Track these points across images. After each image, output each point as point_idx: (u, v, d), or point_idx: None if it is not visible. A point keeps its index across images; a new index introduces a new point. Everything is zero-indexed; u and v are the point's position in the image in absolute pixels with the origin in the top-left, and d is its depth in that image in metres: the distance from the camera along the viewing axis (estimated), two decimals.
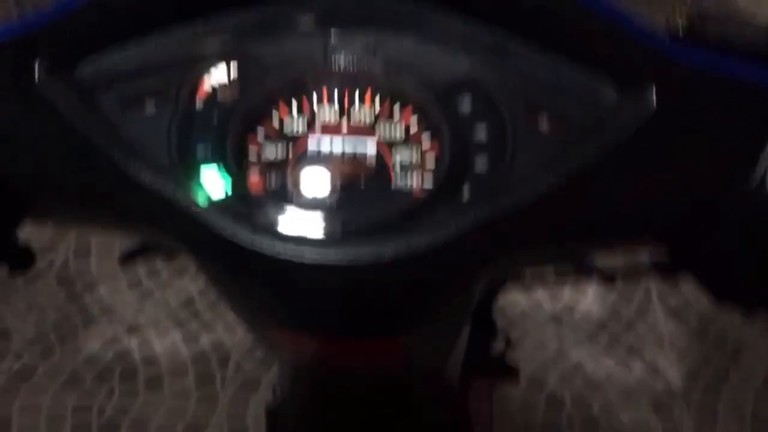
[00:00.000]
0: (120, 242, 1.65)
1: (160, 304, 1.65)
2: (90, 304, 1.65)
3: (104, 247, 1.76)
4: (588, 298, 1.65)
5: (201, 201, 0.36)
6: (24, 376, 1.51)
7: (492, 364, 0.67)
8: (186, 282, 1.69)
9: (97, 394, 1.49)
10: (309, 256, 0.35)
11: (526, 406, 1.48)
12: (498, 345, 0.68)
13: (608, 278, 0.59)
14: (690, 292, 1.65)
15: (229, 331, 1.59)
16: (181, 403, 1.48)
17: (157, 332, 1.60)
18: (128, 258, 0.61)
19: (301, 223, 0.37)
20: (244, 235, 0.35)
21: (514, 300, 1.65)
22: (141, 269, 1.71)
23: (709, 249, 0.38)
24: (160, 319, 1.62)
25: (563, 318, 1.62)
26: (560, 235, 0.38)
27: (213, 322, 1.61)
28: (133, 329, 1.60)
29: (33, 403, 1.47)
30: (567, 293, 1.66)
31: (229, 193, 0.37)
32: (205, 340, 1.58)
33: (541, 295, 1.66)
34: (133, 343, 1.57)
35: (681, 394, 1.49)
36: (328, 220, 0.37)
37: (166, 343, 1.58)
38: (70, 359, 1.55)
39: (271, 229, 0.36)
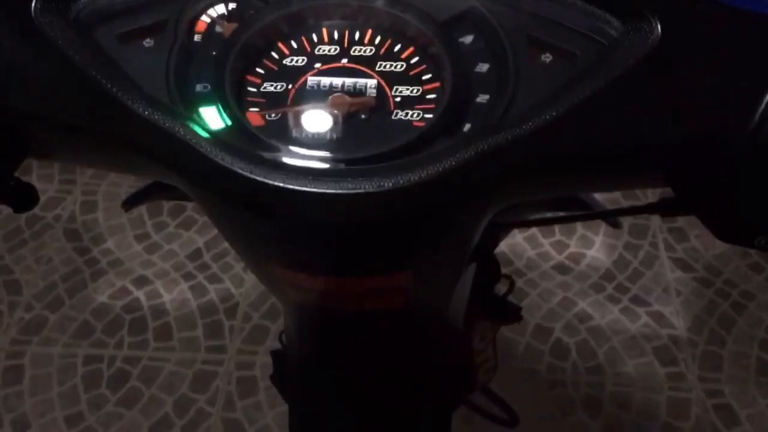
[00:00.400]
0: (126, 194, 1.65)
1: (168, 255, 1.66)
2: (98, 257, 1.66)
3: (111, 200, 1.76)
4: (594, 247, 1.65)
5: (200, 133, 0.36)
6: (35, 328, 1.54)
7: (494, 305, 0.68)
8: (193, 234, 1.70)
9: (107, 345, 1.51)
10: (307, 187, 0.34)
11: (531, 352, 1.49)
12: (501, 288, 0.68)
13: (612, 221, 0.58)
14: (697, 240, 1.65)
15: (236, 281, 1.60)
16: (190, 353, 1.50)
17: (165, 284, 1.61)
18: (132, 202, 0.60)
19: (299, 156, 0.36)
20: (243, 167, 0.35)
21: (520, 248, 1.65)
22: (148, 222, 1.72)
23: (711, 187, 0.37)
24: (168, 270, 1.63)
25: (569, 267, 1.62)
26: (561, 167, 0.38)
27: (220, 273, 1.62)
28: (141, 281, 1.61)
29: (44, 353, 1.50)
30: (574, 242, 1.66)
31: (229, 125, 0.37)
32: (212, 291, 1.59)
33: (547, 244, 1.66)
34: (141, 295, 1.59)
35: (686, 341, 1.50)
36: (327, 152, 0.37)
37: (174, 294, 1.59)
38: (79, 310, 1.56)
39: (269, 161, 0.36)
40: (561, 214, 0.58)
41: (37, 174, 1.81)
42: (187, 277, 1.62)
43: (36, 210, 1.74)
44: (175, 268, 1.64)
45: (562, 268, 1.62)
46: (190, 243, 1.68)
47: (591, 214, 0.57)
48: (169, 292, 1.60)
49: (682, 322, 1.53)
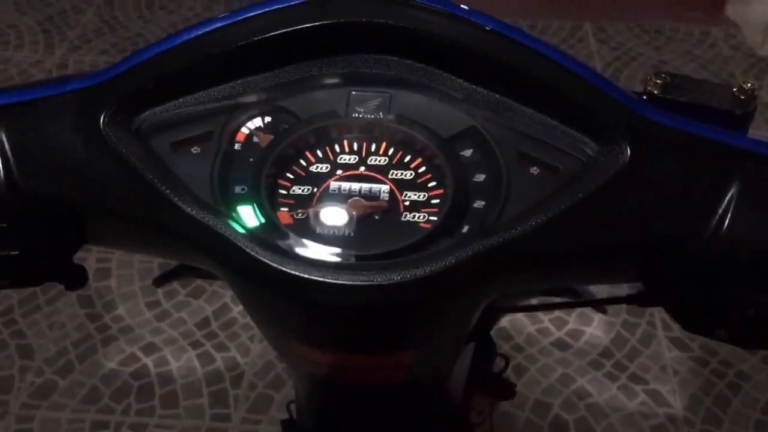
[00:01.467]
0: (138, 264, 1.71)
1: (177, 323, 1.71)
2: (109, 323, 1.71)
3: (124, 268, 1.82)
4: (593, 324, 1.69)
5: (238, 229, 0.42)
6: (45, 392, 1.57)
7: (490, 382, 0.72)
8: (202, 302, 1.74)
9: (115, 411, 1.54)
10: (328, 278, 0.40)
11: (530, 428, 1.51)
12: (498, 365, 0.73)
13: (598, 307, 0.64)
14: None
15: (242, 350, 1.64)
16: (195, 421, 1.53)
17: (173, 351, 1.65)
18: (162, 281, 0.66)
19: (322, 250, 0.42)
20: (274, 260, 0.41)
21: (520, 324, 1.69)
22: (159, 290, 1.77)
23: (675, 284, 0.43)
24: (177, 338, 1.67)
25: (569, 343, 1.66)
26: (546, 264, 0.44)
27: (227, 342, 1.66)
28: (150, 348, 1.65)
29: (53, 418, 1.53)
30: (573, 319, 1.70)
31: (263, 222, 0.43)
32: (219, 360, 1.63)
33: (547, 320, 1.70)
34: (149, 362, 1.63)
35: (683, 420, 1.52)
36: (346, 248, 0.43)
37: (181, 361, 1.63)
38: (89, 376, 1.60)
39: (296, 255, 0.42)
40: (551, 301, 0.63)
41: None
42: (195, 345, 1.66)
43: None
44: (183, 336, 1.68)
45: (561, 345, 1.66)
46: (199, 311, 1.73)
47: (577, 302, 0.63)
48: (176, 360, 1.63)
49: (679, 401, 1.56)
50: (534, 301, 0.63)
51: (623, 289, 0.53)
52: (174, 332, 1.69)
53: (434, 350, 0.50)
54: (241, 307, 1.75)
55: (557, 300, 0.62)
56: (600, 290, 0.62)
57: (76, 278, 0.49)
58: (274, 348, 0.54)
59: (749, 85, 0.46)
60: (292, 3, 0.46)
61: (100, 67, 0.47)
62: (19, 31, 2.61)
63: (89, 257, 1.84)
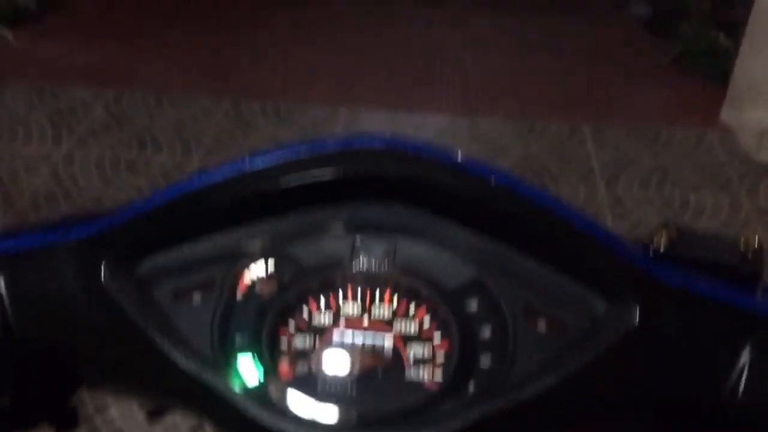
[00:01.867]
0: None
1: (170, 428, 1.66)
2: (100, 426, 1.66)
3: None
4: None
5: (237, 388, 0.41)
6: None
7: None
8: None
9: None
10: None
11: None
12: None
13: None
14: None
15: None
16: None
17: None
18: (156, 413, 0.64)
19: (322, 411, 0.41)
20: (271, 421, 0.40)
21: None
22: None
23: None
24: None
25: None
26: (554, 425, 0.43)
27: None
28: None
29: None
30: None
31: (262, 382, 0.42)
32: None
33: None
34: None
35: None
36: (347, 408, 0.42)
37: None
38: None
39: (296, 416, 0.41)
40: None
41: None
42: None
43: None
44: None
45: None
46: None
47: None
48: None
49: None
50: None
51: None
52: None
53: None
54: None
55: None
56: None
57: (68, 421, 0.48)
58: None
59: (755, 240, 0.46)
60: (300, 152, 0.47)
61: (105, 165, 0.47)
62: (28, 125, 2.66)
63: None
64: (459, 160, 0.46)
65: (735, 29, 3.03)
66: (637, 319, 0.42)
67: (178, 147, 2.59)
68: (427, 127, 2.77)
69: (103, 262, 0.44)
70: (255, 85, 3.08)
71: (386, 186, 0.47)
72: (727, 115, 2.92)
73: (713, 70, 3.20)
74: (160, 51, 3.38)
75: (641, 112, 3.01)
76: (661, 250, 0.45)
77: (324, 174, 0.46)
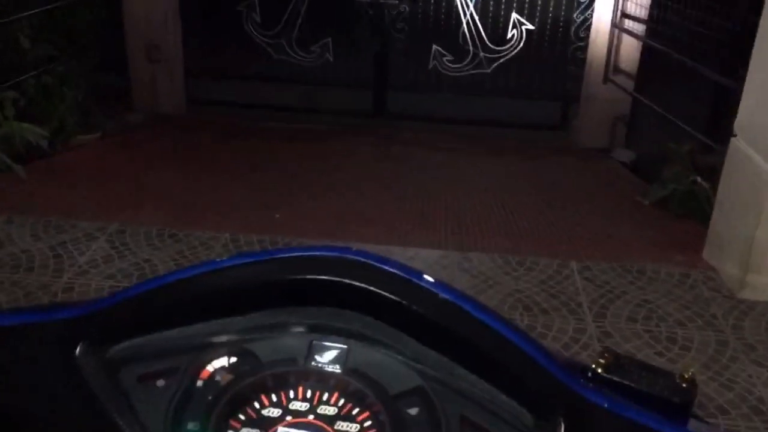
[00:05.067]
0: None
1: None
2: None
3: None
4: None
5: None
6: None
7: None
8: None
9: None
10: None
11: None
12: None
13: None
14: None
15: None
16: None
17: None
18: None
19: None
20: None
21: None
22: None
23: None
24: None
25: None
26: None
27: None
28: None
29: None
30: None
31: None
32: None
33: None
34: None
35: None
36: None
37: None
38: None
39: None
40: None
41: None
42: None
43: None
44: None
45: None
46: None
47: None
48: None
49: None
50: None
51: None
52: None
53: None
54: None
55: None
56: None
57: None
58: None
59: (690, 373, 0.50)
60: (266, 258, 0.52)
61: (104, 293, 0.53)
62: (31, 255, 2.74)
63: None
64: (412, 275, 0.52)
65: (713, 174, 3.18)
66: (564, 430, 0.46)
67: None
68: (418, 259, 2.85)
69: (80, 343, 0.49)
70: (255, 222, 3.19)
71: (343, 294, 0.52)
72: (709, 254, 3.02)
73: (695, 212, 3.34)
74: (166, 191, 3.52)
75: (626, 250, 3.11)
76: (599, 372, 0.50)
77: (280, 276, 0.51)
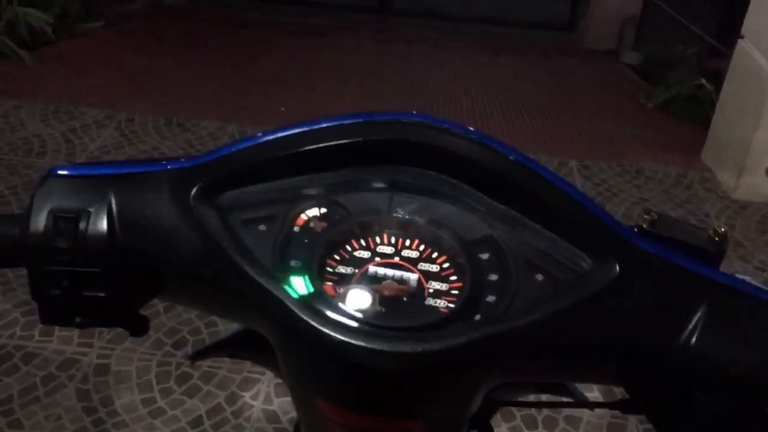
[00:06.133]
0: (138, 361, 1.78)
1: (171, 421, 1.75)
2: (104, 418, 1.75)
3: (123, 365, 1.88)
4: (581, 428, 1.74)
5: (291, 295, 0.51)
6: None
7: None
8: (196, 401, 1.79)
9: None
10: (359, 342, 0.48)
11: None
12: None
13: (587, 405, 0.71)
14: None
15: None
16: None
17: None
18: (197, 357, 0.74)
19: (357, 320, 0.51)
20: (317, 322, 0.49)
21: (518, 429, 1.74)
22: (156, 387, 1.82)
23: (649, 389, 0.52)
24: None
25: None
26: (540, 355, 0.53)
27: None
28: None
29: None
30: (562, 422, 1.75)
31: (311, 292, 0.52)
32: None
33: (540, 424, 1.75)
34: None
35: None
36: (377, 320, 0.51)
37: None
38: None
39: (335, 321, 0.50)
40: (545, 398, 0.71)
41: (58, 335, 1.95)
42: None
43: (52, 369, 1.86)
44: None
45: None
46: (193, 410, 1.77)
47: (568, 402, 0.71)
48: None
49: None
50: (530, 398, 0.71)
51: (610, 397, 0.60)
52: (167, 429, 1.73)
53: (440, 425, 0.58)
54: (233, 407, 1.80)
55: (551, 398, 0.70)
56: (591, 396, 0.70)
57: (139, 327, 0.58)
58: (297, 403, 0.61)
59: (723, 229, 0.56)
60: (355, 120, 0.57)
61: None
62: (42, 140, 2.78)
63: (90, 352, 1.90)
64: (485, 138, 0.57)
65: (719, 78, 3.19)
66: (617, 275, 0.52)
67: None
68: None
69: (193, 190, 0.55)
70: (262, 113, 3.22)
71: (422, 154, 0.57)
72: (707, 156, 3.07)
73: (697, 115, 3.36)
74: (172, 80, 3.52)
75: (624, 149, 3.15)
76: (644, 226, 0.56)
77: (376, 136, 0.57)
